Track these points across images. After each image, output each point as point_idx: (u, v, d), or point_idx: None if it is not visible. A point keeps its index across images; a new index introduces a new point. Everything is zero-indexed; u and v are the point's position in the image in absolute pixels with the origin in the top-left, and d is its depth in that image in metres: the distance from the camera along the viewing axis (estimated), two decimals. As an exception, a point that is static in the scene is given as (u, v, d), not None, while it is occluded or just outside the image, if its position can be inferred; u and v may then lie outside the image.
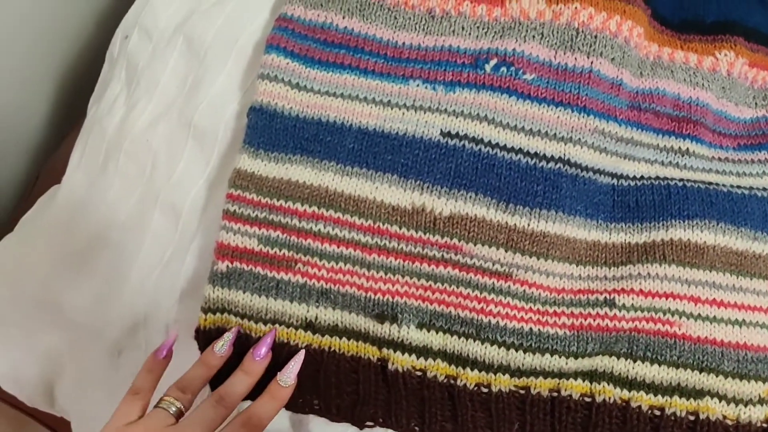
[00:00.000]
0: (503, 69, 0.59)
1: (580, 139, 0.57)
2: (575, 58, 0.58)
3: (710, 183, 0.58)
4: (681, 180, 0.58)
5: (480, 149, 0.56)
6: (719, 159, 0.61)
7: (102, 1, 0.85)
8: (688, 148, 0.60)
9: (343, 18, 0.62)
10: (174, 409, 0.48)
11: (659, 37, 0.64)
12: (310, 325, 0.56)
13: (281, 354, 0.55)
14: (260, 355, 0.53)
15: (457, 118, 0.57)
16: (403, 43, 0.62)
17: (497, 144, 0.56)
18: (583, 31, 0.59)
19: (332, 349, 0.55)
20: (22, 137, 0.83)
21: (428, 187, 0.56)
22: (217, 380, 0.52)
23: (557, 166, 0.56)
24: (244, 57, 0.64)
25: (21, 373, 0.64)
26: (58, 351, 0.64)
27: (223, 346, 0.53)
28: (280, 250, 0.56)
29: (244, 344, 0.55)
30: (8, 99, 0.77)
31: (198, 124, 0.63)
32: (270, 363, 0.53)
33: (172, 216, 0.63)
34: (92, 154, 0.68)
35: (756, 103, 0.64)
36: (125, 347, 0.63)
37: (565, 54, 0.58)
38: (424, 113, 0.58)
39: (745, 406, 0.53)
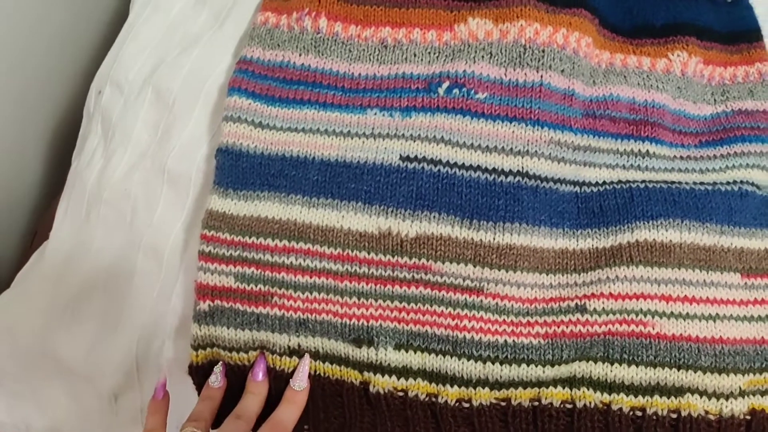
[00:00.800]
0: (455, 91, 0.60)
1: (536, 151, 0.58)
2: (525, 74, 0.60)
3: (673, 182, 0.59)
4: (643, 182, 0.59)
5: (439, 170, 0.58)
6: (681, 158, 0.62)
7: (85, 59, 0.88)
8: (648, 150, 0.61)
9: (300, 55, 0.64)
10: None
11: (611, 45, 0.65)
12: (294, 352, 0.57)
13: (270, 378, 0.56)
14: (258, 376, 0.56)
15: (414, 142, 0.59)
16: (359, 74, 0.64)
17: (455, 163, 0.58)
18: (530, 47, 0.60)
19: (317, 372, 0.57)
20: (20, 196, 0.85)
21: (392, 211, 0.57)
22: (220, 417, 0.55)
23: (516, 179, 0.57)
24: (210, 101, 0.66)
25: (27, 425, 0.66)
26: (59, 400, 0.65)
27: (216, 379, 0.56)
28: (256, 286, 0.57)
29: (240, 374, 0.57)
30: (4, 160, 0.79)
31: (171, 169, 0.65)
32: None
33: (155, 259, 0.65)
34: (76, 206, 0.70)
35: (714, 100, 0.65)
36: (121, 391, 0.64)
37: (515, 70, 0.60)
38: (383, 140, 0.60)
39: (727, 399, 0.53)
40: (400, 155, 0.59)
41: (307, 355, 0.56)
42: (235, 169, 0.60)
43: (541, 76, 0.59)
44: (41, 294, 0.68)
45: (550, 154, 0.59)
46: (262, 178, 0.60)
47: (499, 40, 0.61)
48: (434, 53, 0.64)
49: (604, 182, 0.59)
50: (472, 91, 0.60)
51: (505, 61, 0.61)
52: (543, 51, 0.60)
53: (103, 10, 0.84)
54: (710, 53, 0.66)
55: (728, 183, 0.59)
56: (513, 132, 0.58)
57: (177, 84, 0.67)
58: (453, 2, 0.65)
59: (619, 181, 0.59)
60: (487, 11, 0.63)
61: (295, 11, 0.66)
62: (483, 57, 0.61)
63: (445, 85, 0.61)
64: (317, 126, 0.62)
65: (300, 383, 0.55)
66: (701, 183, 0.59)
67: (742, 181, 0.60)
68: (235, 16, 0.70)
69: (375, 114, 0.61)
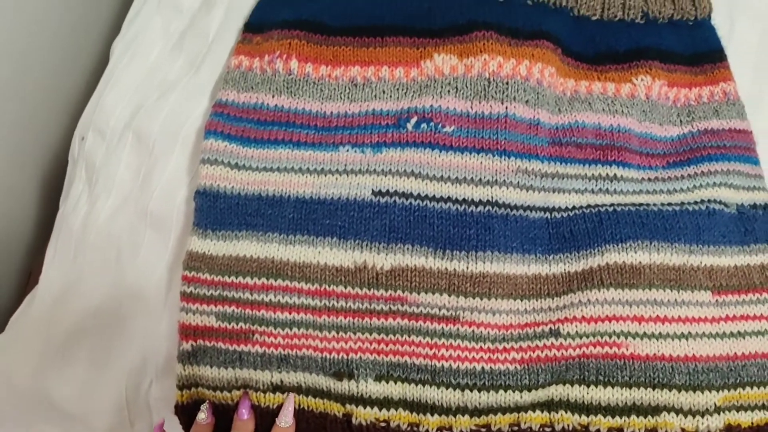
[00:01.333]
0: (423, 125, 0.62)
1: (504, 180, 0.60)
2: (490, 106, 0.61)
3: (641, 204, 0.60)
4: (612, 205, 0.60)
5: (411, 203, 0.59)
6: (649, 179, 0.63)
7: (74, 105, 0.90)
8: (615, 174, 0.62)
9: (273, 97, 0.66)
10: None
11: (575, 73, 0.67)
12: (277, 388, 0.58)
13: (256, 416, 0.57)
14: (244, 415, 0.57)
15: (386, 176, 0.60)
16: (331, 113, 0.65)
17: (426, 196, 0.59)
18: (494, 80, 0.62)
19: (301, 406, 0.58)
20: (15, 241, 0.87)
21: (367, 245, 0.58)
22: None
23: (486, 208, 0.59)
24: (188, 144, 0.68)
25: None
26: (54, 444, 0.66)
27: (204, 416, 0.57)
28: (237, 324, 0.59)
29: (225, 413, 0.58)
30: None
31: (153, 212, 0.66)
32: None
33: (141, 300, 0.66)
34: (63, 250, 0.71)
35: (680, 120, 0.67)
36: (114, 432, 0.65)
37: (480, 103, 0.62)
38: (356, 176, 0.61)
39: (702, 416, 0.54)
40: (372, 190, 0.60)
41: (292, 393, 0.57)
42: (214, 210, 0.62)
43: (506, 108, 0.61)
44: (34, 337, 0.69)
45: (518, 182, 0.60)
46: (240, 217, 0.61)
47: (464, 74, 0.63)
48: (402, 90, 0.65)
49: (574, 207, 0.61)
50: (440, 125, 0.62)
51: (470, 95, 0.62)
52: (507, 83, 0.62)
53: (86, 58, 0.86)
54: (674, 75, 0.68)
55: (696, 202, 0.61)
56: (481, 163, 0.60)
57: (156, 128, 0.69)
58: (419, 40, 0.67)
59: (588, 206, 0.61)
60: (452, 47, 0.65)
61: (267, 54, 0.68)
62: (449, 91, 0.63)
63: (414, 120, 0.63)
64: (292, 165, 0.63)
65: (286, 420, 0.56)
66: (669, 204, 0.61)
67: (709, 200, 0.61)
68: (210, 61, 0.72)
69: (347, 151, 0.63)
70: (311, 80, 0.67)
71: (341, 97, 0.66)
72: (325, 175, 0.62)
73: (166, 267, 0.66)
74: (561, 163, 0.63)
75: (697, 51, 0.70)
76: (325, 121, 0.65)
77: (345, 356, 0.57)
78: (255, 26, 0.71)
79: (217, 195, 0.62)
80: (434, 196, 0.59)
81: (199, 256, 0.61)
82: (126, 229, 0.68)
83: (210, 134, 0.64)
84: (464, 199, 0.59)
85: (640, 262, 0.57)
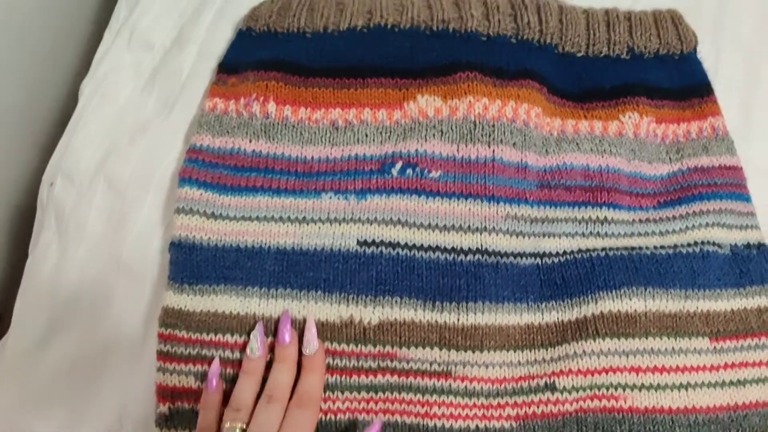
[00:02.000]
0: (409, 171, 0.60)
1: (494, 227, 0.57)
2: (477, 150, 0.59)
3: (633, 248, 0.59)
4: (603, 249, 0.58)
5: (398, 253, 0.57)
6: (640, 221, 0.62)
7: (42, 152, 0.87)
8: (606, 216, 0.61)
9: (250, 141, 0.63)
10: (237, 430, 0.50)
11: (561, 111, 0.65)
12: None
13: None
14: (286, 340, 0.54)
15: (371, 225, 0.58)
16: (312, 158, 0.63)
17: (414, 245, 0.57)
18: (480, 123, 0.60)
19: None
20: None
21: (353, 298, 0.56)
22: None
23: (476, 257, 0.57)
24: (162, 190, 0.65)
25: None
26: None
27: (255, 349, 0.54)
28: None
29: None
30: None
31: (126, 262, 0.63)
32: None
33: (115, 356, 0.62)
34: (33, 300, 0.67)
35: (670, 158, 0.65)
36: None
37: (466, 147, 0.60)
38: (339, 225, 0.59)
39: (705, 470, 0.52)
40: (357, 240, 0.58)
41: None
42: (189, 263, 0.58)
43: (493, 151, 0.59)
44: (6, 392, 0.65)
45: (507, 228, 0.58)
46: (218, 271, 0.58)
47: (449, 117, 0.61)
48: (386, 133, 0.63)
49: (565, 252, 0.59)
50: (426, 170, 0.60)
51: (456, 138, 0.60)
52: (493, 126, 0.60)
53: (54, 98, 0.83)
54: (662, 111, 0.67)
55: (689, 245, 0.59)
56: (469, 209, 0.58)
57: (128, 173, 0.66)
58: (401, 80, 0.65)
59: (580, 250, 0.59)
60: (435, 88, 0.63)
61: (243, 97, 0.65)
62: (434, 135, 0.61)
63: (398, 165, 0.60)
64: (271, 213, 0.60)
65: (312, 347, 0.53)
66: (662, 246, 0.59)
67: (703, 242, 0.59)
68: (184, 101, 0.69)
69: (330, 198, 0.60)
70: (290, 124, 0.64)
71: (322, 141, 0.63)
72: (307, 224, 0.59)
73: (141, 320, 0.62)
74: (550, 207, 0.61)
75: (684, 85, 0.69)
76: (305, 166, 0.62)
77: (333, 417, 0.54)
78: (230, 66, 0.69)
79: (192, 247, 0.59)
80: (422, 245, 0.57)
81: (175, 313, 0.57)
82: (98, 279, 0.64)
83: (184, 182, 0.61)
84: (453, 248, 0.57)
85: (635, 311, 0.55)
